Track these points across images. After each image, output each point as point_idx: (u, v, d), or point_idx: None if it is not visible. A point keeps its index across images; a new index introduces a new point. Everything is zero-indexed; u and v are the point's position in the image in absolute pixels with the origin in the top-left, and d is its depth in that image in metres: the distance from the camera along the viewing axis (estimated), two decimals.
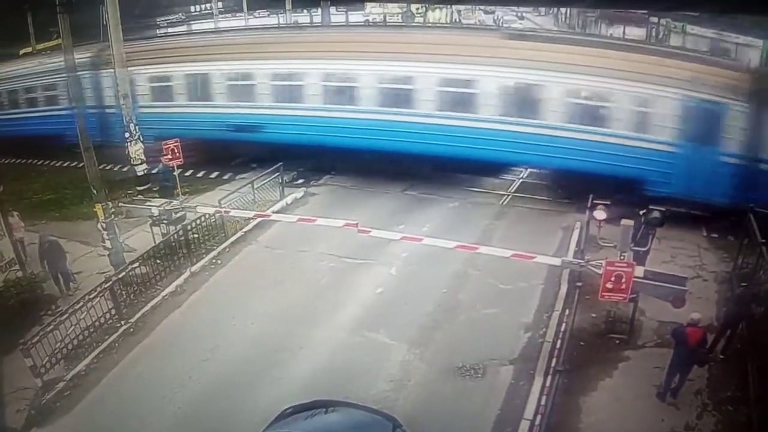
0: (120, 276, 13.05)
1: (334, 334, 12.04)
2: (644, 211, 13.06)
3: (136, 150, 18.10)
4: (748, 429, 9.58)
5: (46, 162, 25.08)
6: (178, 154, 15.83)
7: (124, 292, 13.13)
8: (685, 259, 14.49)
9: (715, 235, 15.84)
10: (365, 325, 12.29)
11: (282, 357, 11.36)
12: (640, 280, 10.89)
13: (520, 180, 20.28)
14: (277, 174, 18.72)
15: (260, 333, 12.11)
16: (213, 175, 21.69)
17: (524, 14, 67.29)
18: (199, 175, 21.69)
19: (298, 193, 19.30)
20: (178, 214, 15.22)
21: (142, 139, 18.12)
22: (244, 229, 16.64)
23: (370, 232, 13.66)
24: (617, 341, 11.62)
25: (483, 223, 16.78)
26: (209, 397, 10.45)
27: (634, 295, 10.99)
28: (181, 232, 14.87)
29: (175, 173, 16.13)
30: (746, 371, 10.57)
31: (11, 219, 14.58)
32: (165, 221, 15.13)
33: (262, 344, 11.76)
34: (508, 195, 19.02)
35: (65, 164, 23.98)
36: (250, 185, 17.95)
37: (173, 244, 14.73)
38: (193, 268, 14.72)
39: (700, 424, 9.74)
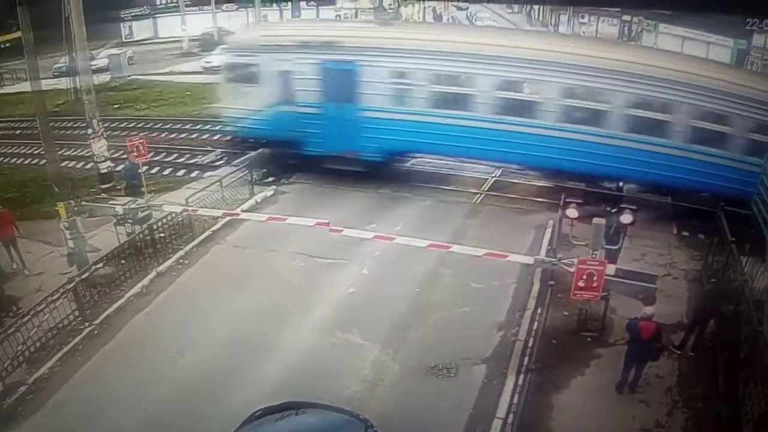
0: (83, 277, 12.85)
1: (305, 335, 12.07)
2: (616, 209, 13.39)
3: (99, 147, 17.88)
4: (717, 425, 9.91)
5: (7, 160, 24.57)
6: (143, 151, 15.66)
7: (87, 294, 12.95)
8: (656, 257, 14.88)
9: (686, 234, 16.31)
10: (337, 325, 12.34)
11: (252, 358, 11.34)
12: (611, 278, 11.18)
13: (494, 178, 20.54)
14: (246, 172, 18.66)
15: (229, 334, 12.06)
16: (180, 173, 21.50)
17: (496, 11, 67.95)
18: (166, 172, 21.49)
19: (268, 191, 19.23)
20: (144, 213, 15.02)
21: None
22: (212, 228, 16.52)
23: (341, 231, 13.71)
24: (589, 339, 11.90)
25: (456, 222, 16.96)
26: (177, 399, 10.38)
27: (606, 293, 11.27)
28: (146, 232, 14.71)
29: (140, 171, 15.96)
30: (715, 367, 10.96)
31: None
32: (130, 220, 14.94)
33: (232, 345, 11.71)
34: (482, 193, 19.24)
35: (27, 162, 23.53)
36: (218, 183, 17.84)
37: (138, 243, 14.56)
38: (160, 269, 14.58)
39: (670, 421, 10.04)
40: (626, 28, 49.65)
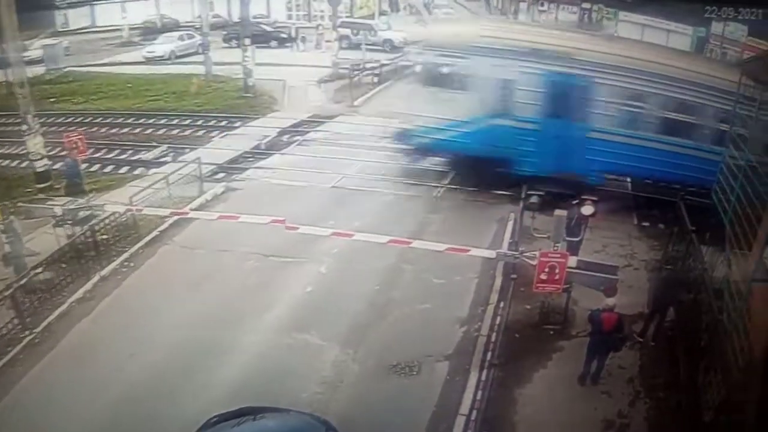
0: (22, 282, 12.58)
1: (261, 337, 12.10)
2: (577, 200, 13.83)
3: (35, 144, 17.46)
4: (678, 413, 10.41)
5: None
6: (82, 147, 15.40)
7: (27, 300, 12.67)
8: (617, 248, 15.46)
9: (646, 224, 16.96)
10: (295, 326, 12.41)
11: (206, 363, 11.31)
12: (573, 270, 11.62)
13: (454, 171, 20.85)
14: (194, 168, 18.49)
15: (181, 339, 11.98)
16: (123, 170, 21.13)
17: None
18: (107, 170, 21.08)
19: (219, 188, 19.11)
20: (85, 214, 14.79)
21: None
22: (159, 228, 16.31)
23: (298, 228, 13.82)
24: (551, 332, 12.30)
25: (416, 217, 17.21)
26: (127, 408, 10.28)
27: (568, 286, 11.70)
28: (88, 233, 14.46)
29: (81, 168, 15.67)
30: (676, 357, 11.48)
31: None
32: (70, 221, 14.67)
33: (184, 350, 11.65)
34: (442, 187, 19.54)
35: None
36: (164, 180, 17.63)
37: (80, 246, 14.29)
38: (103, 272, 14.35)
39: (632, 411, 10.50)
40: (586, 15, 50.86)
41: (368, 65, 33.83)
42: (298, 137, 24.52)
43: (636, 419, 10.34)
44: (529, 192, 15.59)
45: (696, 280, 12.45)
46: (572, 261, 11.74)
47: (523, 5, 56.21)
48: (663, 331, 12.20)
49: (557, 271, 11.05)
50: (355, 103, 29.66)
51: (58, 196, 15.76)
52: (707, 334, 10.95)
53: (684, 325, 12.09)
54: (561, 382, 11.03)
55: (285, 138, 24.50)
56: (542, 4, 53.49)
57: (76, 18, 53.20)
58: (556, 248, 12.03)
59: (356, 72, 32.24)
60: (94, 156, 21.28)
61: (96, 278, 14.12)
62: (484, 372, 11.00)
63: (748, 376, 8.87)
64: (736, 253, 11.91)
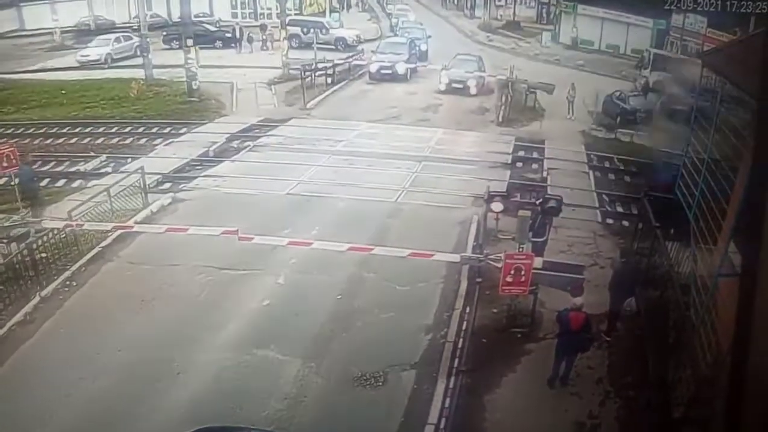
0: None
1: (218, 355, 12.07)
2: (540, 200, 14.29)
3: None
4: (648, 411, 10.85)
5: None
6: (14, 161, 15.15)
7: None
8: (582, 247, 16.01)
9: (610, 221, 17.57)
10: (253, 342, 12.44)
11: (158, 385, 11.23)
12: (539, 271, 12.01)
13: (414, 174, 21.21)
14: (137, 179, 18.31)
15: (131, 361, 11.85)
16: (59, 183, 20.77)
17: None
18: (43, 183, 20.67)
19: (165, 199, 18.99)
20: (20, 231, 14.54)
21: None
22: (102, 244, 16.09)
23: (252, 239, 13.88)
24: (519, 335, 12.68)
25: (377, 222, 17.45)
26: None
27: (534, 287, 12.08)
28: (25, 252, 14.19)
29: (13, 183, 15.40)
30: (645, 355, 11.96)
31: None
32: (5, 240, 14.40)
33: (134, 373, 11.53)
34: (402, 190, 19.83)
35: None
36: (105, 193, 17.41)
37: (16, 265, 14.03)
38: (43, 293, 14.08)
39: (603, 411, 10.91)
40: (544, 10, 52.14)
41: (320, 65, 34.04)
42: (249, 143, 24.53)
43: (607, 419, 10.75)
44: (491, 193, 16.01)
45: (662, 276, 12.98)
46: (538, 262, 12.14)
47: (479, 0, 57.23)
48: (615, 326, 12.78)
49: (523, 272, 11.40)
50: (308, 105, 29.84)
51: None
52: (675, 331, 11.44)
53: (652, 322, 12.60)
54: (530, 386, 11.38)
55: (235, 144, 24.50)
56: (500, 0, 54.58)
57: (2, 21, 51.81)
58: (521, 249, 12.42)
59: (308, 72, 32.35)
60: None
61: (36, 299, 13.84)
62: (452, 379, 11.26)
63: (716, 372, 9.31)
64: (701, 248, 12.47)
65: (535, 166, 23.02)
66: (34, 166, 20.13)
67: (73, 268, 15.10)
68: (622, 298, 12.72)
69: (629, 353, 12.33)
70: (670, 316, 11.89)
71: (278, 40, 38.73)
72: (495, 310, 13.32)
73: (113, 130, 26.22)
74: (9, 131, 26.22)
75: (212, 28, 43.42)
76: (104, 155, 23.08)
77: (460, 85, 32.18)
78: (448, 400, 10.68)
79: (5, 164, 14.98)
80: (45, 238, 14.88)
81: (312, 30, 39.56)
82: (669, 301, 12.20)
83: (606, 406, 11.03)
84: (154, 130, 26.23)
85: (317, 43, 36.49)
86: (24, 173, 16.06)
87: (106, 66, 37.29)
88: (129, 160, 22.21)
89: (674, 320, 11.64)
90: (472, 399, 10.95)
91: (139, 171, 18.74)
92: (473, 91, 32.13)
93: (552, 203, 14.35)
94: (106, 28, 46.91)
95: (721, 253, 10.54)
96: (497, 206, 14.26)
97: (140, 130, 26.31)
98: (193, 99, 30.01)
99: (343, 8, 60.12)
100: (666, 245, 13.54)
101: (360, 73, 36.67)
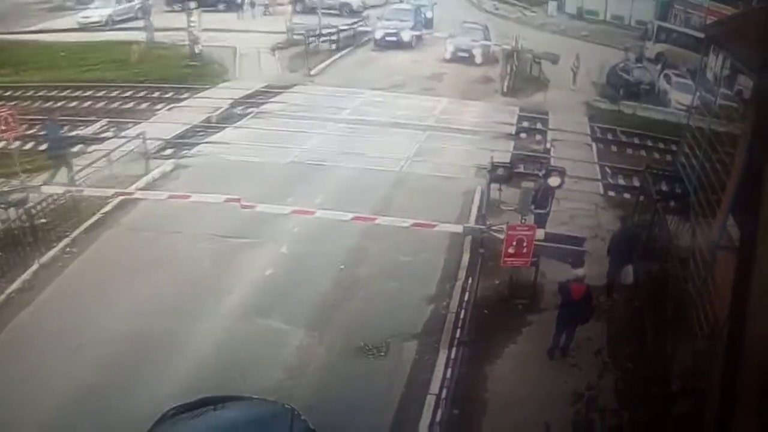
0: None
1: (220, 324, 12.09)
2: (544, 171, 14.17)
3: None
4: (647, 383, 10.92)
5: None
6: (13, 125, 14.98)
7: None
8: (583, 219, 16.00)
9: (612, 194, 17.49)
10: (255, 311, 12.47)
11: (159, 355, 11.26)
12: (541, 243, 11.98)
13: (419, 143, 21.06)
14: (138, 144, 18.17)
15: (132, 329, 11.85)
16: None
17: None
18: (42, 147, 20.54)
19: (167, 165, 18.85)
20: (19, 196, 14.43)
21: None
22: (102, 211, 16.02)
23: (255, 207, 13.78)
24: (520, 306, 12.74)
25: (380, 192, 17.37)
26: (76, 404, 10.20)
27: (536, 259, 12.06)
28: (24, 218, 14.14)
29: (12, 147, 15.27)
30: (644, 327, 12.01)
31: None
32: (3, 205, 14.31)
33: (135, 342, 11.54)
34: (406, 159, 19.70)
35: None
36: (106, 158, 17.30)
37: (15, 232, 14.00)
38: (43, 260, 14.05)
39: (601, 383, 11.01)
40: None
41: (325, 31, 33.56)
42: (252, 109, 24.29)
43: (605, 390, 10.85)
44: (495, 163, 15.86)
45: (662, 249, 12.98)
46: (540, 234, 12.10)
47: None
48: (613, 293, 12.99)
49: (525, 244, 11.36)
50: (312, 72, 29.49)
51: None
52: (673, 303, 11.49)
53: (650, 294, 12.63)
54: (531, 357, 11.48)
55: (238, 110, 24.25)
56: None
57: None
58: (524, 221, 12.37)
59: (312, 38, 31.97)
60: (27, 133, 20.64)
61: (35, 266, 13.82)
62: (454, 350, 11.28)
63: (713, 344, 9.36)
64: (700, 221, 12.45)
65: (538, 137, 22.85)
66: (33, 131, 20.09)
67: (73, 234, 15.05)
68: (621, 261, 12.78)
69: (628, 325, 12.39)
70: (669, 289, 11.93)
71: (282, 4, 38.11)
72: (497, 282, 13.34)
73: (114, 94, 25.91)
74: (7, 93, 25.94)
75: None
76: (104, 120, 22.86)
77: (466, 54, 31.73)
78: (449, 371, 10.71)
79: (3, 127, 14.78)
80: (44, 204, 14.83)
81: None
82: (668, 274, 12.23)
83: (605, 377, 11.16)
84: (155, 95, 25.96)
85: (321, 8, 35.93)
86: (51, 130, 15.85)
87: (108, 28, 36.71)
88: (130, 124, 21.98)
89: (673, 293, 11.68)
90: (474, 369, 11.00)
91: (141, 136, 18.62)
92: (479, 60, 31.77)
93: (555, 174, 14.23)
94: None
95: (719, 226, 10.53)
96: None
97: (142, 94, 26.04)
98: (195, 63, 29.60)
99: None
100: (666, 218, 13.53)
101: (365, 39, 36.15)
